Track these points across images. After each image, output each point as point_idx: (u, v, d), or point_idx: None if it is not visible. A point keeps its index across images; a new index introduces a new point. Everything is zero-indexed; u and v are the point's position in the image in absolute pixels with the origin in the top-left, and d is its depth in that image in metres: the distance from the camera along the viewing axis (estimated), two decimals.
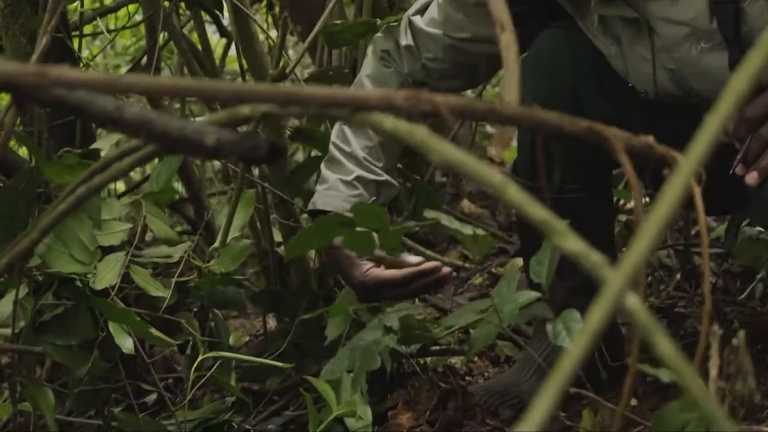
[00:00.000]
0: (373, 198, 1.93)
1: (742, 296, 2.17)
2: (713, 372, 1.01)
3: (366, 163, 1.93)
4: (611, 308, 0.67)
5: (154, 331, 1.77)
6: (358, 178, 1.92)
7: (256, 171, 2.15)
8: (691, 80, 1.74)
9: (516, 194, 0.76)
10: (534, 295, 1.42)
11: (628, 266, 0.68)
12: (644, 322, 0.67)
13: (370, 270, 1.76)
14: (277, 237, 2.33)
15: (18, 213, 1.63)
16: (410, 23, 1.97)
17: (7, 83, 0.89)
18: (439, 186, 3.45)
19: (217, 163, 3.52)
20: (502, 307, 1.37)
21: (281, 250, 2.28)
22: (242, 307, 2.38)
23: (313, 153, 2.22)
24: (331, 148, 1.96)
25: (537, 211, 0.75)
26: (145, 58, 2.54)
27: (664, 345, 0.67)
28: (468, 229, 1.27)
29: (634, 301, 0.68)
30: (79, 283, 1.70)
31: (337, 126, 1.99)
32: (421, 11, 1.98)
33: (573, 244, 0.72)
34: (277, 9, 3.18)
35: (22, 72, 0.86)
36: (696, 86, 1.74)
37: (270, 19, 3.20)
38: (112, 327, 1.70)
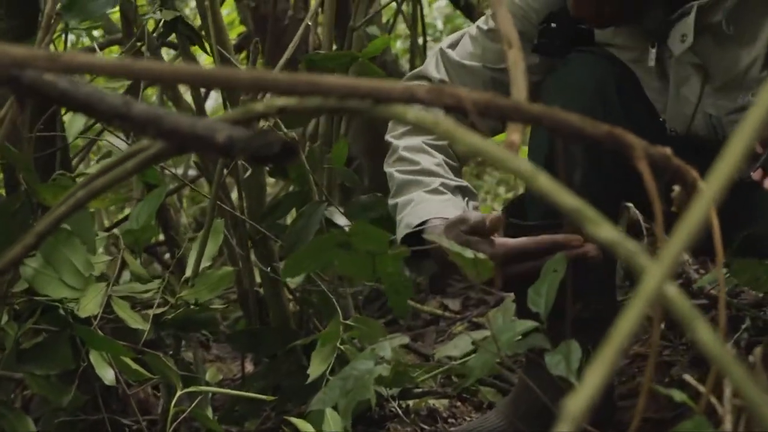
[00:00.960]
0: (462, 202, 1.81)
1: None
2: (728, 390, 0.99)
3: (442, 171, 1.84)
4: (651, 296, 0.64)
5: (133, 364, 1.74)
6: (442, 185, 1.81)
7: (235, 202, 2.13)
8: (727, 127, 1.74)
9: (546, 182, 0.74)
10: (532, 324, 1.39)
11: (667, 257, 0.66)
12: (684, 311, 0.65)
13: (495, 240, 1.61)
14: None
15: (12, 235, 1.60)
16: (444, 56, 1.94)
17: (10, 78, 0.87)
18: None
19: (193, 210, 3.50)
20: (500, 336, 1.34)
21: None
22: (216, 332, 2.33)
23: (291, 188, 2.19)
24: (396, 175, 1.86)
25: (569, 200, 0.73)
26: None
27: (704, 333, 0.64)
28: (469, 253, 1.25)
29: (672, 291, 0.66)
30: (62, 311, 1.66)
31: (392, 155, 1.92)
32: (453, 45, 1.95)
33: (607, 232, 0.70)
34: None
35: (32, 56, 0.83)
36: (730, 132, 1.74)
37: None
38: (94, 357, 1.66)
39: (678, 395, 1.00)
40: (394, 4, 3.02)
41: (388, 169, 1.89)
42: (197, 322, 1.92)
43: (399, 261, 1.37)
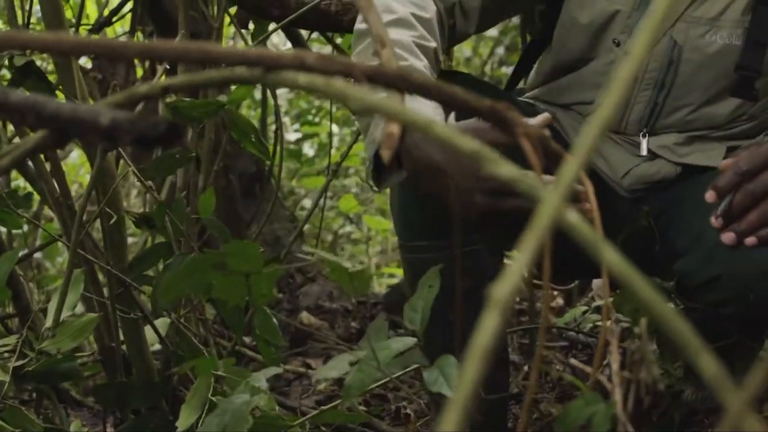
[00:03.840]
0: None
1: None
2: (615, 364, 1.01)
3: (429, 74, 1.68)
4: (551, 223, 0.65)
5: None
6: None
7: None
8: (684, 64, 1.74)
9: (443, 131, 0.75)
10: (409, 341, 1.39)
11: (563, 184, 0.67)
12: (587, 237, 0.67)
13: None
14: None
15: None
16: None
17: None
18: (276, 303, 3.41)
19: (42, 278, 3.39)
20: (378, 353, 1.34)
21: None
22: (79, 381, 2.25)
23: (157, 239, 2.16)
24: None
25: (467, 143, 0.74)
26: None
27: (609, 254, 0.66)
28: (346, 263, 1.24)
29: (574, 217, 0.68)
30: None
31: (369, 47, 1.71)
32: None
33: (507, 170, 0.71)
34: None
35: None
36: (681, 73, 1.74)
37: None
38: None
39: (568, 377, 1.02)
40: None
41: (364, 60, 1.68)
42: (60, 374, 1.86)
43: (272, 281, 1.35)
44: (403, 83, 0.86)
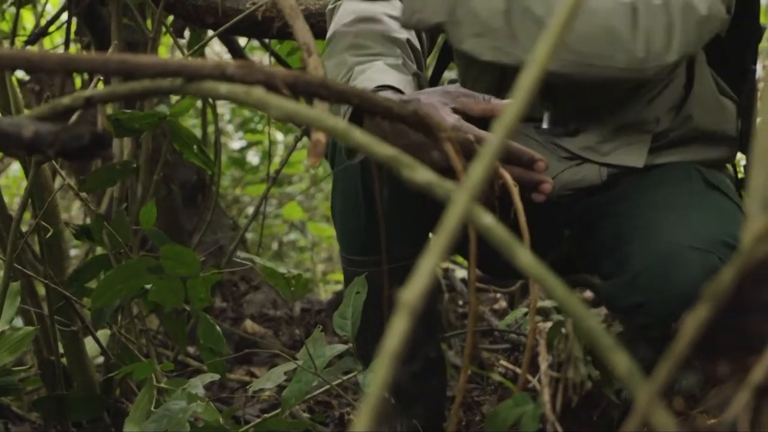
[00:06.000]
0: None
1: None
2: (543, 365, 1.03)
3: (403, 58, 1.70)
4: (459, 218, 0.65)
5: None
6: (404, 64, 1.68)
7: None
8: None
9: (361, 137, 0.76)
10: (342, 347, 1.40)
11: (471, 184, 0.67)
12: (502, 239, 0.68)
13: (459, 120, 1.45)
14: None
15: None
16: None
17: None
18: (220, 311, 3.40)
19: None
20: (316, 361, 1.34)
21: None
22: (19, 395, 2.23)
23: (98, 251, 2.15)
24: (349, 59, 1.68)
25: (384, 150, 0.75)
26: None
27: (523, 256, 0.67)
28: (282, 268, 1.25)
29: (489, 219, 0.69)
30: None
31: (339, 42, 1.73)
32: None
33: (422, 175, 0.72)
34: None
35: None
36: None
37: None
38: None
39: (496, 376, 1.03)
40: None
41: (337, 57, 1.71)
42: None
43: (209, 285, 1.36)
44: (325, 91, 0.87)
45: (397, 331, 0.53)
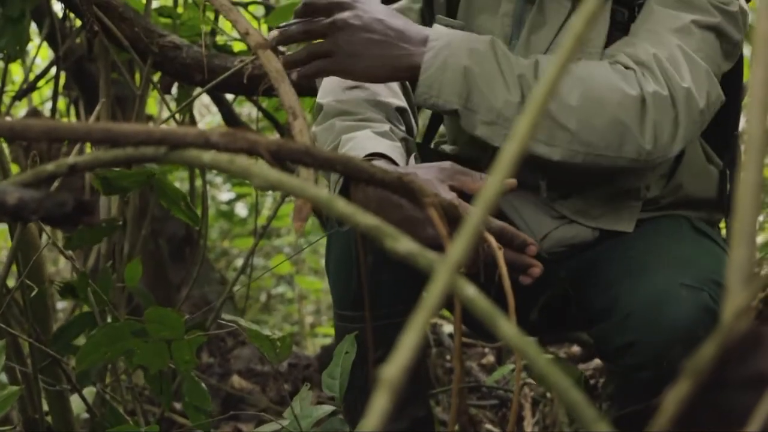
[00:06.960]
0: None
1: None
2: (529, 429, 1.02)
3: (390, 123, 1.72)
4: (442, 290, 0.65)
5: None
6: (391, 130, 1.69)
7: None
8: None
9: (344, 207, 0.76)
10: (329, 408, 1.40)
11: (454, 254, 0.67)
12: (484, 310, 0.68)
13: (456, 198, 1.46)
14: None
15: None
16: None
17: None
18: (207, 367, 3.38)
19: None
20: (301, 420, 1.34)
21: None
22: None
23: (84, 309, 2.14)
24: (338, 123, 1.70)
25: (366, 219, 0.75)
26: None
27: (506, 327, 0.67)
28: (266, 330, 1.25)
29: (471, 291, 0.69)
30: None
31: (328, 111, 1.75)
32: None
33: (405, 245, 0.73)
34: None
35: None
36: None
37: None
38: None
39: None
40: None
41: (325, 123, 1.72)
42: None
43: (195, 348, 1.35)
44: (308, 158, 0.87)
45: (377, 408, 0.52)
